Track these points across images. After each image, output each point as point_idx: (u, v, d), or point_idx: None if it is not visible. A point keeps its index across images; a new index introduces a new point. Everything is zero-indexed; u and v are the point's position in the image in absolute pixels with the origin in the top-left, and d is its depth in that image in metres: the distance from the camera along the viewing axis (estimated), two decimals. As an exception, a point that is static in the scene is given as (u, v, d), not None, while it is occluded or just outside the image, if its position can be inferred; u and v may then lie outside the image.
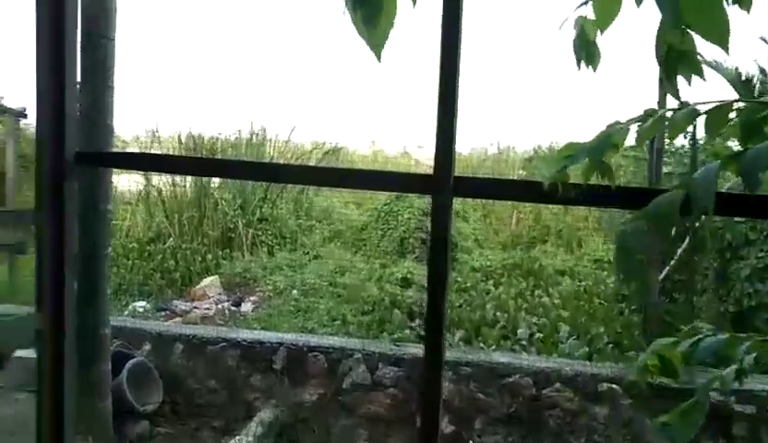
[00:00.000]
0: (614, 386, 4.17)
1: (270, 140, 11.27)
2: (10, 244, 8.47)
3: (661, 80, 4.08)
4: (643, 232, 1.00)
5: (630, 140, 1.33)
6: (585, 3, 1.31)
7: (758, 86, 6.35)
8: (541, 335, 6.11)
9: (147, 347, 4.53)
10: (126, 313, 6.63)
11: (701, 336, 1.41)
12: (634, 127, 1.34)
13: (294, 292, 7.49)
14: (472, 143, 13.42)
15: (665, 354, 1.50)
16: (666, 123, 1.28)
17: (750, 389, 3.95)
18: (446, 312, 1.94)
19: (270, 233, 9.68)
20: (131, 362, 4.22)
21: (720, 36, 1.02)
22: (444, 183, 1.82)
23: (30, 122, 10.96)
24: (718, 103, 1.17)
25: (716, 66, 5.32)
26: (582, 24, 1.35)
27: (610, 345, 5.84)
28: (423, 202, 9.80)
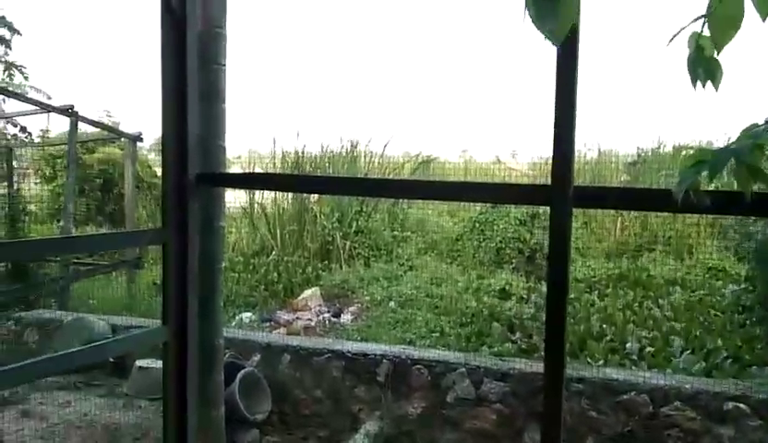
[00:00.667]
0: (740, 405, 3.86)
1: (364, 154, 11.46)
2: (129, 260, 9.11)
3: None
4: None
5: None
6: (700, 18, 1.20)
7: None
8: (652, 349, 5.78)
9: (256, 357, 4.70)
10: (234, 323, 6.92)
11: None
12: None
13: (392, 303, 7.53)
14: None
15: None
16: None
17: None
18: (566, 326, 1.87)
19: (366, 244, 9.82)
20: (242, 372, 4.39)
21: None
22: (564, 193, 1.77)
23: (144, 145, 11.78)
24: None
25: None
26: (697, 40, 1.25)
27: (729, 360, 5.43)
28: (520, 212, 9.59)
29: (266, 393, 4.55)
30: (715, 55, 1.24)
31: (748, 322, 6.33)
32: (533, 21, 1.01)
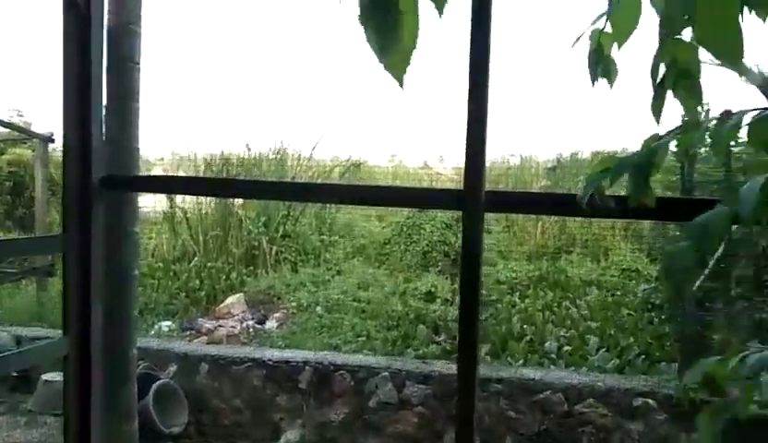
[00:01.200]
0: (649, 400, 4.06)
1: (292, 157, 11.31)
2: (40, 267, 8.59)
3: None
4: (691, 249, 0.95)
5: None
6: (602, 16, 1.26)
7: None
8: (569, 348, 5.98)
9: (173, 368, 4.53)
10: (153, 333, 6.64)
11: (747, 352, 1.35)
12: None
13: (318, 308, 7.45)
14: (491, 153, 13.26)
15: (713, 373, 1.44)
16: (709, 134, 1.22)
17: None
18: (479, 328, 1.89)
19: (293, 249, 9.68)
20: (157, 383, 4.22)
21: (733, 55, 0.97)
22: (475, 198, 1.78)
23: (57, 146, 11.18)
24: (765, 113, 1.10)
25: (746, 72, 5.14)
26: (598, 38, 1.30)
27: (641, 357, 5.70)
28: (446, 215, 9.73)
29: (183, 405, 4.40)
30: (616, 51, 1.28)
31: (657, 320, 6.66)
32: (374, 51, 0.93)
